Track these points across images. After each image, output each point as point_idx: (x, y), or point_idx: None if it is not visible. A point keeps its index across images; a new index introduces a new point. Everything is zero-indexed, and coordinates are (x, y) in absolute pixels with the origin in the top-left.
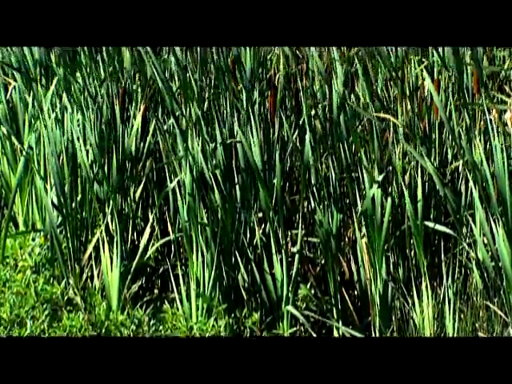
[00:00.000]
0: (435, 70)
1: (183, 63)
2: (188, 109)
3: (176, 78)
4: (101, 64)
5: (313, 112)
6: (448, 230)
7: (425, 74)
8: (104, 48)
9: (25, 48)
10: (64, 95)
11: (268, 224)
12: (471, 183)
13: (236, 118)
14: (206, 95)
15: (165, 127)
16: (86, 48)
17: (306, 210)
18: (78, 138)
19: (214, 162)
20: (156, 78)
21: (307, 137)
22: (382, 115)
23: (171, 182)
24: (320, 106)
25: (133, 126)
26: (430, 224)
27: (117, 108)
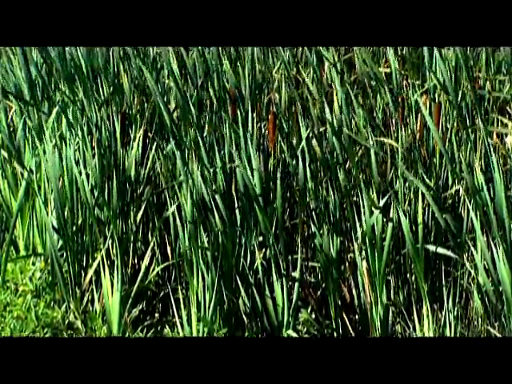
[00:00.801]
0: (436, 93)
1: (182, 87)
2: (187, 133)
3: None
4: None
5: (314, 141)
6: (449, 253)
7: (421, 104)
8: (103, 72)
9: (25, 71)
10: (64, 119)
11: (268, 248)
12: (471, 208)
13: (235, 143)
14: (206, 118)
15: (165, 152)
16: (84, 72)
17: (306, 234)
18: (78, 162)
19: (214, 186)
20: (156, 100)
21: (301, 163)
22: (381, 139)
23: (171, 205)
24: (317, 132)
25: (132, 149)
26: (431, 247)
27: (117, 132)
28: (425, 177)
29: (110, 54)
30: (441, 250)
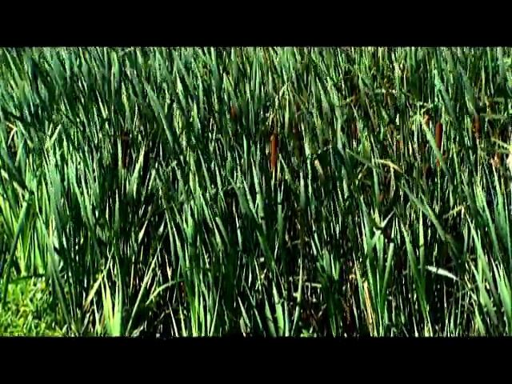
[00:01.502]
0: (439, 112)
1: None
2: (189, 153)
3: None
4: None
5: (316, 162)
6: (450, 275)
7: (424, 124)
8: (103, 92)
9: (27, 91)
10: (65, 139)
11: (270, 272)
12: (472, 228)
13: (238, 163)
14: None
15: (161, 172)
16: (86, 92)
17: (308, 254)
18: (79, 183)
19: (215, 207)
20: (159, 120)
21: (302, 183)
22: (382, 161)
23: (172, 226)
24: (320, 152)
25: (134, 169)
26: (433, 269)
27: (119, 152)
28: (425, 200)
29: (112, 73)
30: (442, 272)
